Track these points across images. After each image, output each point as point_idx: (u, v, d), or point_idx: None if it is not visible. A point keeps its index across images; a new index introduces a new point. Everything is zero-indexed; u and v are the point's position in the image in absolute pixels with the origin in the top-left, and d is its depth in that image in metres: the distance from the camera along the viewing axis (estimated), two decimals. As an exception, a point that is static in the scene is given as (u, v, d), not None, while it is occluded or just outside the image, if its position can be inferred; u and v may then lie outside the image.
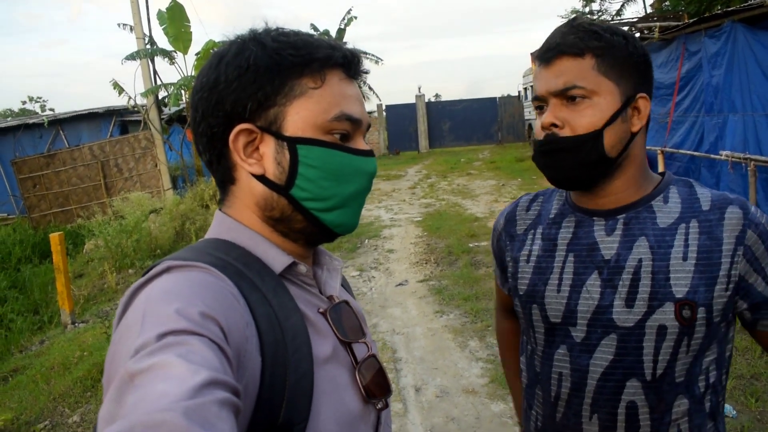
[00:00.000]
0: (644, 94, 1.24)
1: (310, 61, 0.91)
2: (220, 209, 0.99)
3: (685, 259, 1.20)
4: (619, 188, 1.27)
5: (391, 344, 5.45)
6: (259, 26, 0.95)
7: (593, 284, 1.26)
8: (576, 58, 1.20)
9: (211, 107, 0.91)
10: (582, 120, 1.20)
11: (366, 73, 1.01)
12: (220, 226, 0.96)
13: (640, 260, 1.22)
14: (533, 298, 1.35)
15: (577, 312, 1.27)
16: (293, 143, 0.90)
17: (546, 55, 1.23)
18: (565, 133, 1.21)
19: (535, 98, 1.27)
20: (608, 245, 1.26)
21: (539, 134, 1.26)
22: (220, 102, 0.90)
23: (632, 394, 1.22)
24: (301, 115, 0.90)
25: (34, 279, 10.10)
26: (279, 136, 0.91)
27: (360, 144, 0.97)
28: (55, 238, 7.22)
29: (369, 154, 0.98)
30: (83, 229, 11.21)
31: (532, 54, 20.02)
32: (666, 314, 1.19)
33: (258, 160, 0.92)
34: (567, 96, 1.20)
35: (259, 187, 0.93)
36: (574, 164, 1.22)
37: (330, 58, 0.92)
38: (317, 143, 0.91)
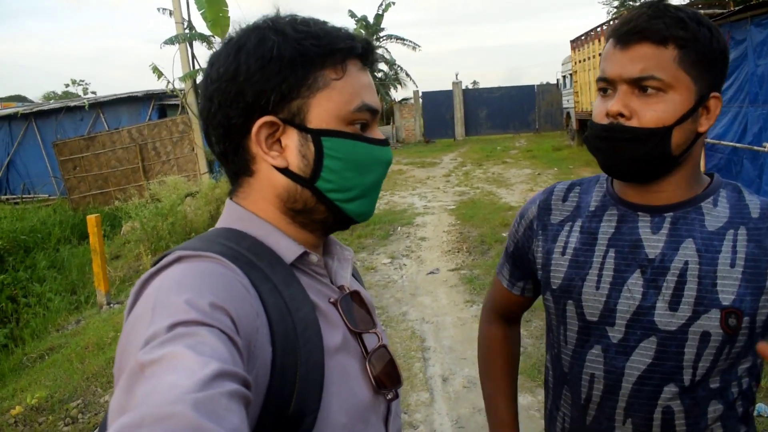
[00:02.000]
0: (717, 94, 1.17)
1: (331, 51, 0.90)
2: (231, 199, 0.97)
3: (732, 266, 1.15)
4: (672, 186, 1.21)
5: (420, 333, 5.44)
6: (272, 13, 0.94)
7: (635, 283, 1.20)
8: (658, 47, 1.11)
9: (230, 98, 0.88)
10: (653, 114, 1.12)
11: (378, 62, 1.00)
12: (230, 216, 0.95)
13: (687, 263, 1.17)
14: (569, 294, 1.29)
15: (616, 311, 1.21)
16: (318, 136, 0.90)
17: (626, 38, 1.13)
18: (632, 124, 1.13)
19: (603, 79, 1.18)
20: (653, 244, 1.20)
21: (600, 119, 1.18)
22: (240, 93, 0.87)
23: (669, 399, 1.18)
24: (325, 107, 0.89)
25: (72, 259, 10.33)
26: (303, 128, 0.89)
27: (376, 133, 0.97)
28: (91, 219, 7.35)
29: (385, 143, 0.98)
30: (120, 212, 11.41)
31: (571, 41, 19.74)
32: (711, 321, 1.14)
33: (280, 152, 0.91)
34: (640, 85, 1.12)
35: (282, 180, 0.91)
36: (635, 157, 1.15)
37: (352, 48, 0.92)
38: (341, 135, 0.91)
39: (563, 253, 1.32)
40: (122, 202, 11.54)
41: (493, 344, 1.59)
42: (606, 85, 1.18)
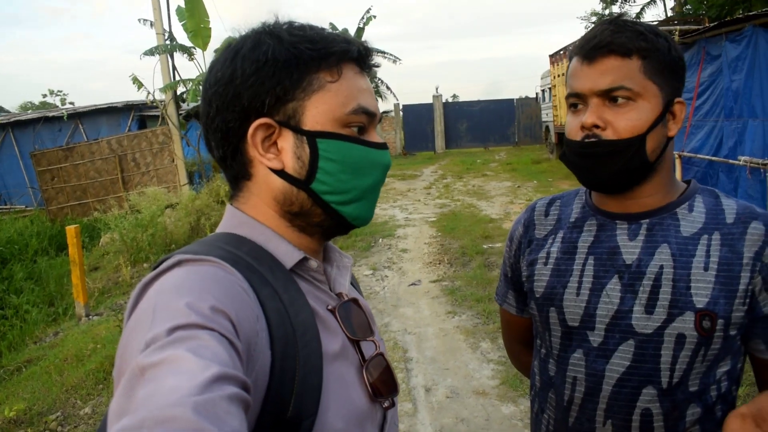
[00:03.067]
0: (680, 99, 1.23)
1: (327, 55, 0.91)
2: (231, 204, 0.98)
3: (706, 269, 1.19)
4: (649, 192, 1.26)
5: (403, 344, 5.45)
6: (271, 20, 0.95)
7: (613, 288, 1.24)
8: (623, 59, 1.17)
9: (227, 102, 0.90)
10: (627, 122, 1.17)
11: (377, 66, 1.01)
12: (231, 221, 0.96)
13: (662, 267, 1.21)
14: (551, 301, 1.33)
15: (595, 316, 1.25)
16: (313, 137, 0.90)
17: (592, 53, 1.19)
18: (608, 135, 1.18)
19: (573, 95, 1.23)
20: (630, 250, 1.25)
21: (575, 134, 1.23)
22: (236, 96, 0.89)
23: (648, 401, 1.21)
24: (320, 109, 0.90)
25: (50, 271, 10.18)
26: (298, 130, 0.90)
27: (374, 137, 0.97)
28: (71, 230, 7.28)
29: (383, 146, 0.98)
30: (99, 223, 11.31)
31: (550, 56, 19.95)
32: (686, 323, 1.17)
33: (276, 154, 0.91)
34: (610, 97, 1.18)
35: (278, 182, 0.92)
36: (616, 169, 1.19)
37: (346, 52, 0.92)
38: (336, 137, 0.91)
39: (546, 263, 1.36)
40: (101, 213, 11.42)
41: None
42: (576, 101, 1.23)
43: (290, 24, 0.94)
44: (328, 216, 0.95)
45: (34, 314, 8.01)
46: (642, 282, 1.22)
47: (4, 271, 10.04)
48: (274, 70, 0.88)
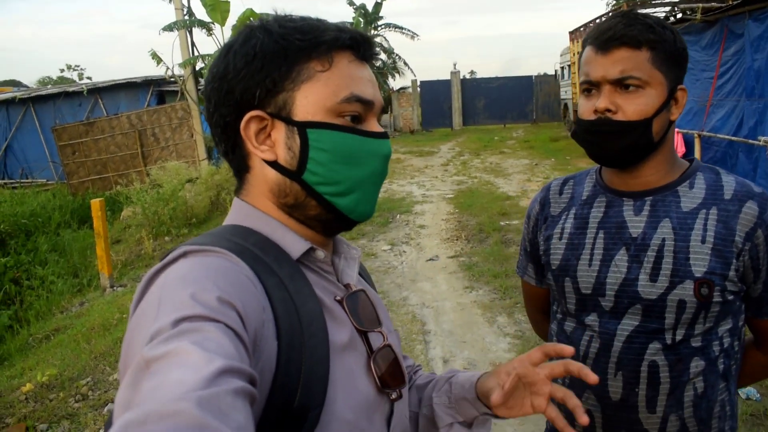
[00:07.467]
0: (683, 86, 1.36)
1: (316, 44, 0.90)
2: (237, 196, 1.00)
3: (703, 242, 1.32)
4: (651, 171, 1.39)
5: (421, 317, 5.56)
6: (270, 15, 0.97)
7: (621, 259, 1.38)
8: (634, 50, 1.30)
9: (222, 97, 0.92)
10: (636, 107, 1.30)
11: (377, 54, 1.01)
12: (238, 213, 0.97)
13: (664, 240, 1.34)
14: (566, 272, 1.46)
15: (606, 284, 1.39)
16: (303, 127, 0.90)
17: (606, 44, 1.32)
18: (618, 117, 1.31)
19: (587, 82, 1.35)
20: (636, 224, 1.38)
21: (587, 115, 1.36)
22: (230, 91, 0.91)
23: (654, 354, 1.34)
24: (310, 99, 0.90)
25: (73, 243, 10.40)
26: (289, 121, 0.91)
27: (373, 126, 0.96)
28: (96, 203, 7.42)
29: (382, 136, 0.97)
30: (120, 196, 11.46)
31: (570, 32, 19.76)
32: (686, 290, 1.31)
33: (270, 146, 0.92)
34: (622, 84, 1.30)
35: (272, 174, 0.93)
36: (624, 146, 1.33)
37: (337, 40, 0.92)
38: (327, 126, 0.91)
39: (560, 238, 1.50)
40: (123, 187, 11.58)
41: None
42: (590, 86, 1.37)
43: (286, 17, 0.94)
44: (323, 208, 0.94)
45: (60, 285, 8.22)
46: (647, 253, 1.35)
47: (29, 243, 10.26)
48: (263, 63, 0.89)
